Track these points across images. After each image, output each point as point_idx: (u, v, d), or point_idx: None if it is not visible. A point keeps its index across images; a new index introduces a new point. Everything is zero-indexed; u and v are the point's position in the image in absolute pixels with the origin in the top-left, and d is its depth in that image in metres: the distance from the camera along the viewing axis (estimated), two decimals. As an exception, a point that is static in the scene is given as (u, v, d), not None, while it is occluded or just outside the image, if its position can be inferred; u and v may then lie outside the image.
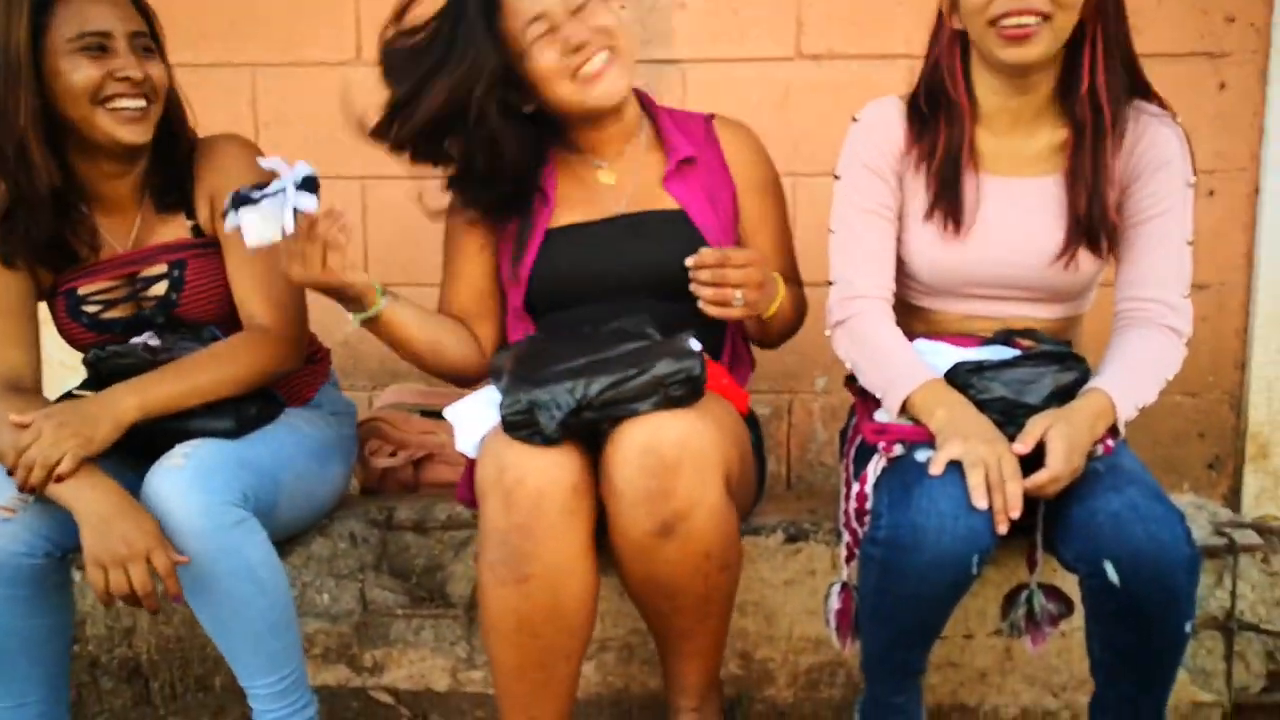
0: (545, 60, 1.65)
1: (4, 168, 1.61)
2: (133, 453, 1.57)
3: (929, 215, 1.63)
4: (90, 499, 1.48)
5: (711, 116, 1.85)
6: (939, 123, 1.61)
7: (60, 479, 1.48)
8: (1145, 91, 1.60)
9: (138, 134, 1.65)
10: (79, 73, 1.60)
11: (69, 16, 1.60)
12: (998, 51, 1.52)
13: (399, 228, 2.55)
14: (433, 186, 1.83)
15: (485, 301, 1.82)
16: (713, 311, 1.60)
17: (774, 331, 1.79)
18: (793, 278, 1.84)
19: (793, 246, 1.87)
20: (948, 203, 1.61)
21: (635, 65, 1.72)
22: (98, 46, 1.61)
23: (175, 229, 1.75)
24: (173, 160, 1.74)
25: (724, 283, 1.58)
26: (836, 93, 2.43)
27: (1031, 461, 1.43)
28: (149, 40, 1.67)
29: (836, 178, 1.70)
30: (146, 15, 1.69)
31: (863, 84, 2.43)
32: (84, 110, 1.61)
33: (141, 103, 1.64)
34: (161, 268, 1.73)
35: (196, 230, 1.75)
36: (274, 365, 1.70)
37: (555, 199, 1.76)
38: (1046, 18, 1.48)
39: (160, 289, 1.73)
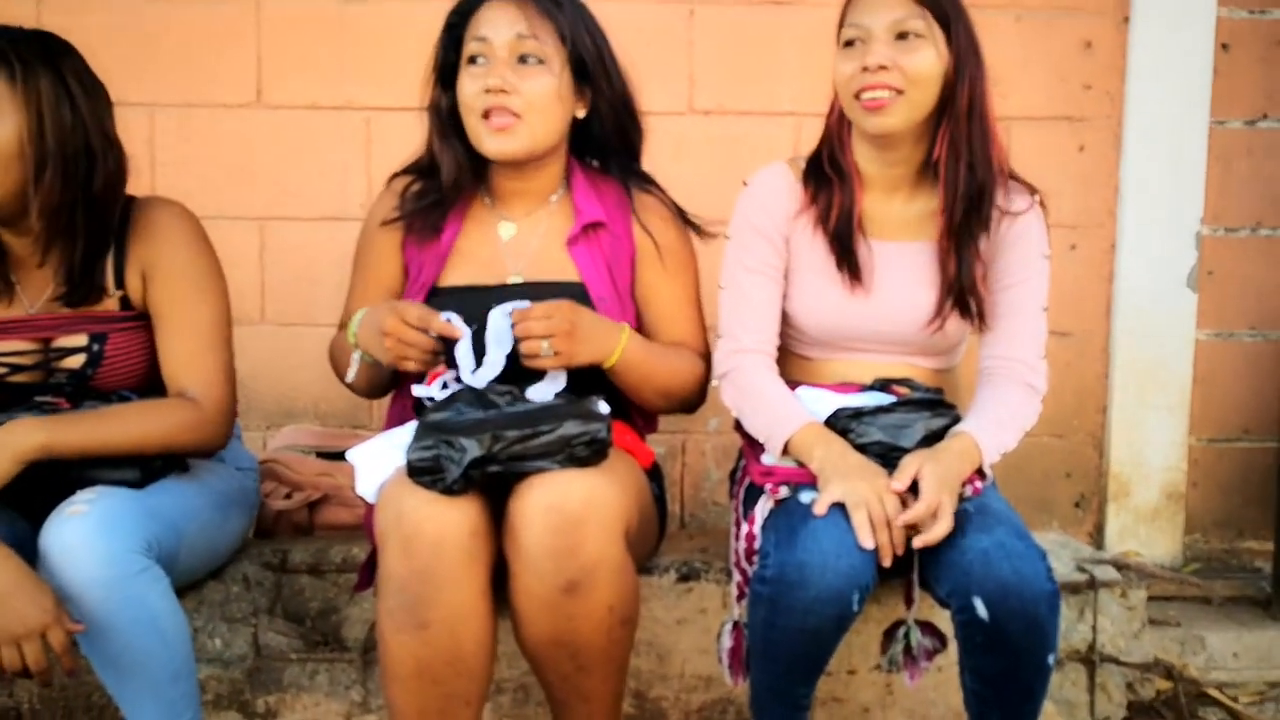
0: (467, 87, 1.69)
1: None
2: (26, 498, 1.54)
3: (837, 271, 1.71)
4: None
5: (635, 183, 1.83)
6: (833, 187, 1.71)
7: None
8: (1006, 170, 1.72)
9: None
10: None
11: None
12: (861, 121, 1.65)
13: (297, 268, 2.55)
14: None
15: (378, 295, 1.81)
16: (528, 363, 1.60)
17: (632, 384, 1.71)
18: (695, 348, 1.82)
19: (695, 316, 1.85)
20: (848, 262, 1.71)
21: (548, 135, 1.72)
22: None
23: (102, 299, 1.68)
24: (73, 225, 1.62)
25: (527, 334, 1.58)
26: (727, 147, 2.52)
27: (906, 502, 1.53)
28: None
29: (727, 238, 1.79)
30: (10, 67, 1.56)
31: (751, 139, 2.54)
32: None
33: None
34: (81, 339, 1.67)
35: (124, 302, 1.70)
36: (196, 440, 1.66)
37: (451, 249, 1.76)
38: (900, 93, 1.61)
39: (76, 361, 1.67)
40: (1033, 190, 1.73)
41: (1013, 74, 2.51)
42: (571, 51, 1.70)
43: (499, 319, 1.59)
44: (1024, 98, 2.53)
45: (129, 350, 1.70)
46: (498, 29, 1.68)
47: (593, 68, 1.72)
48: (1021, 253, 1.71)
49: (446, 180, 1.76)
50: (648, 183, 1.85)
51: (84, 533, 1.47)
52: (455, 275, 1.76)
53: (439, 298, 1.74)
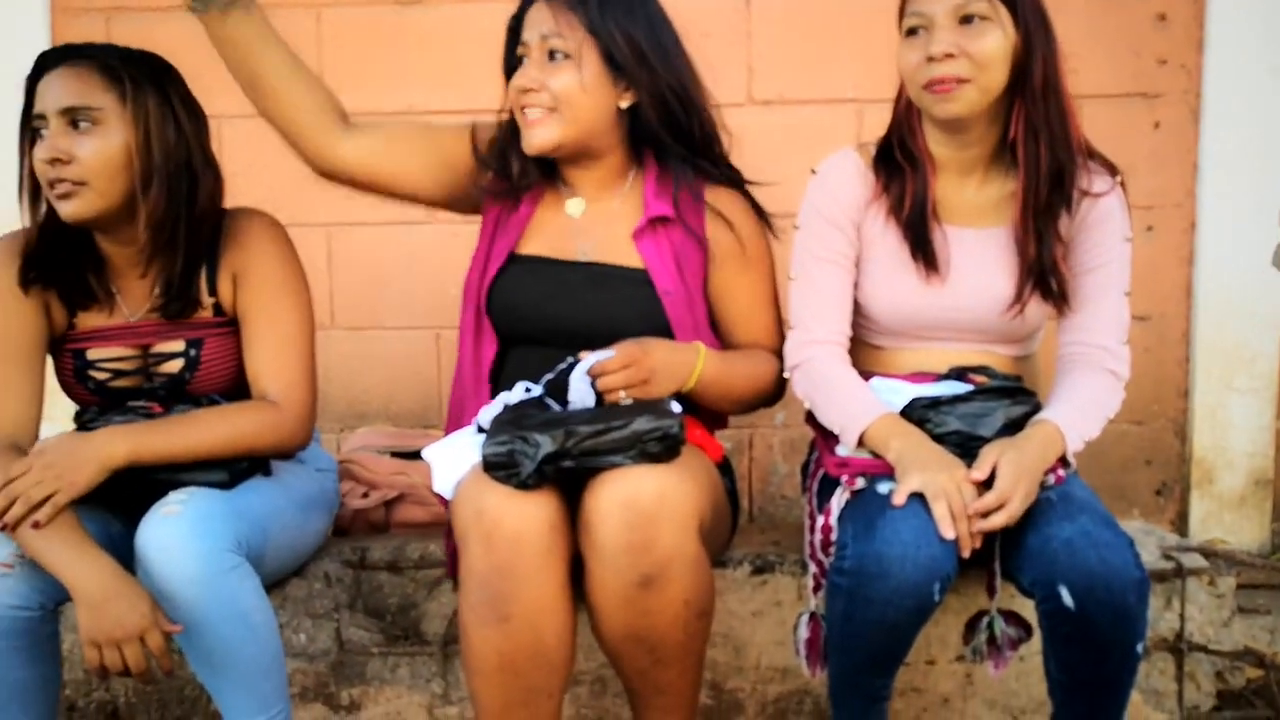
0: (513, 82, 1.74)
1: (48, 233, 1.67)
2: (119, 501, 1.59)
3: (912, 260, 1.69)
4: (86, 576, 1.49)
5: (709, 177, 1.81)
6: (904, 174, 1.68)
7: (37, 525, 1.49)
8: (1085, 149, 1.68)
9: (70, 210, 1.61)
10: (33, 160, 1.62)
11: (37, 96, 1.62)
12: (930, 108, 1.62)
13: (364, 274, 2.59)
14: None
15: (419, 134, 1.85)
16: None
17: (712, 401, 1.73)
18: (771, 346, 1.82)
19: (772, 314, 1.83)
20: (924, 251, 1.68)
21: (582, 127, 1.72)
22: (40, 129, 1.62)
23: (197, 309, 1.73)
24: (183, 243, 1.68)
25: (608, 388, 1.60)
26: (788, 137, 2.50)
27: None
28: (94, 114, 1.60)
29: (796, 228, 1.77)
30: (121, 85, 1.63)
31: (813, 128, 2.52)
32: (46, 193, 1.64)
33: (65, 184, 1.60)
34: (178, 345, 1.73)
35: (217, 308, 1.75)
36: (275, 441, 1.69)
37: (529, 220, 1.80)
38: (968, 80, 1.57)
39: (174, 366, 1.72)
40: (1114, 170, 1.69)
41: (1083, 50, 2.43)
42: (601, 43, 1.70)
43: (580, 383, 1.61)
44: (1095, 74, 2.47)
45: (222, 355, 1.75)
46: (531, 30, 1.72)
47: (622, 58, 1.70)
48: (1103, 235, 1.67)
49: (515, 173, 1.79)
50: (724, 176, 1.83)
51: (178, 532, 1.51)
52: (530, 245, 1.79)
53: (516, 264, 1.77)
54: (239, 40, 1.70)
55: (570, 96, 1.70)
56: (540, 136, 1.71)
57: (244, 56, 1.71)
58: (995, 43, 1.57)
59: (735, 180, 1.84)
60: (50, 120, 1.60)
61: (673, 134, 1.77)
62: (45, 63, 1.65)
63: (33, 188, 1.66)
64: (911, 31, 1.61)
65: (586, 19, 1.69)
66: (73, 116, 1.61)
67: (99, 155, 1.61)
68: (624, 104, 1.75)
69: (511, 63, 1.77)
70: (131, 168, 1.63)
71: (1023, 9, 1.58)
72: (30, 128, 1.64)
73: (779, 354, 1.81)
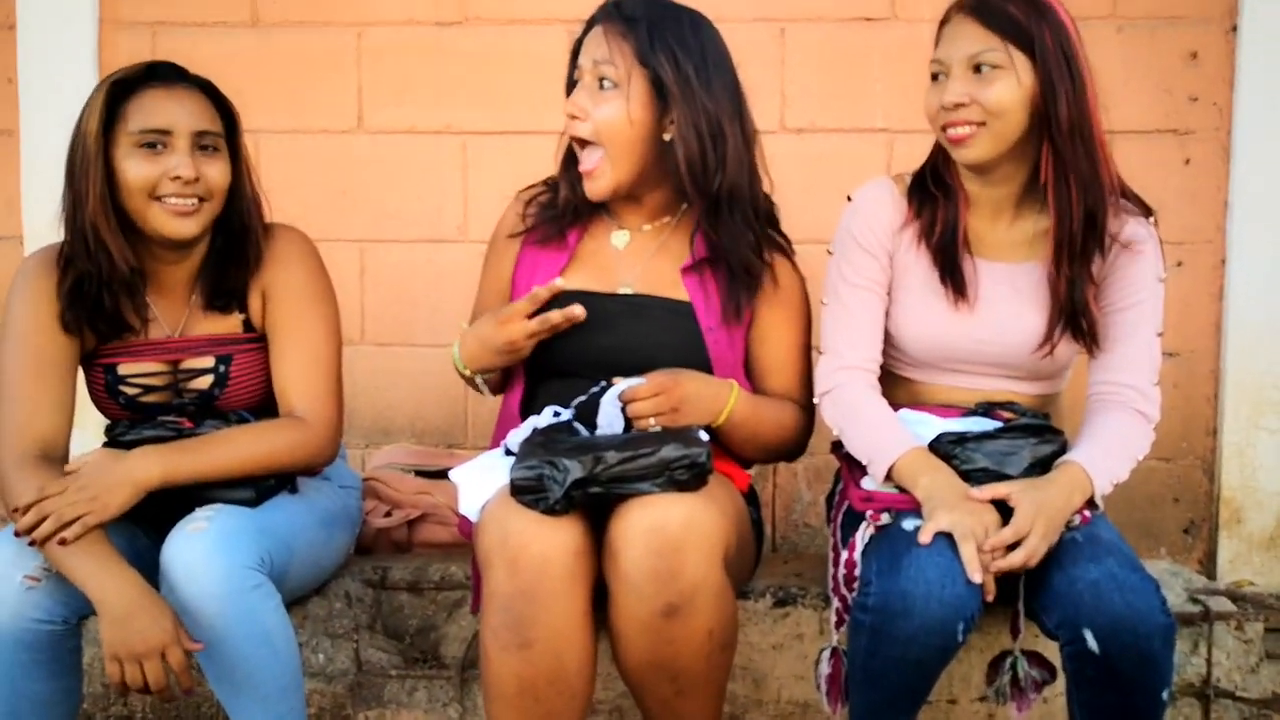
0: (565, 105, 1.74)
1: (84, 249, 1.66)
2: (146, 515, 1.60)
3: (941, 286, 1.69)
4: (111, 590, 1.50)
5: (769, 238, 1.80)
6: (937, 202, 1.69)
7: (64, 542, 1.51)
8: (1119, 188, 1.67)
9: (185, 229, 1.67)
10: (137, 168, 1.64)
11: (136, 111, 1.65)
12: (950, 152, 1.64)
13: (396, 290, 2.61)
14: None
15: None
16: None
17: (737, 443, 1.73)
18: (799, 400, 1.81)
19: (803, 367, 1.83)
20: (953, 276, 1.68)
21: (624, 159, 1.71)
22: (158, 143, 1.65)
23: (226, 322, 1.77)
24: (231, 257, 1.75)
25: (637, 415, 1.61)
26: (820, 165, 2.51)
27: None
28: (216, 140, 1.69)
29: (830, 253, 1.77)
30: (227, 115, 1.73)
31: (844, 156, 2.52)
32: (139, 203, 1.66)
33: (192, 201, 1.67)
34: (208, 360, 1.75)
35: (247, 324, 1.78)
36: (303, 457, 1.71)
37: (574, 253, 1.80)
38: (982, 124, 1.58)
39: (204, 382, 1.75)
40: (1148, 210, 1.69)
41: (1115, 86, 2.44)
42: (650, 72, 1.68)
43: (610, 408, 1.62)
44: (1127, 111, 2.46)
45: (251, 371, 1.77)
46: (586, 54, 1.72)
47: (669, 88, 1.68)
48: (1135, 274, 1.66)
49: (562, 198, 1.80)
50: (752, 234, 1.75)
51: (203, 549, 1.53)
52: (573, 279, 1.78)
53: (557, 299, 1.74)
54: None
55: (612, 127, 1.69)
56: (599, 187, 1.73)
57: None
58: (1006, 91, 1.57)
59: (766, 242, 1.78)
60: (179, 139, 1.65)
61: (693, 173, 1.69)
62: (152, 75, 1.68)
63: (75, 199, 1.66)
64: (934, 76, 1.64)
65: (637, 47, 1.69)
66: (202, 140, 1.67)
67: (221, 179, 1.69)
68: (667, 136, 1.72)
69: (572, 84, 1.77)
70: (232, 192, 1.72)
71: (1042, 53, 1.57)
72: (130, 135, 1.65)
73: (805, 409, 1.81)
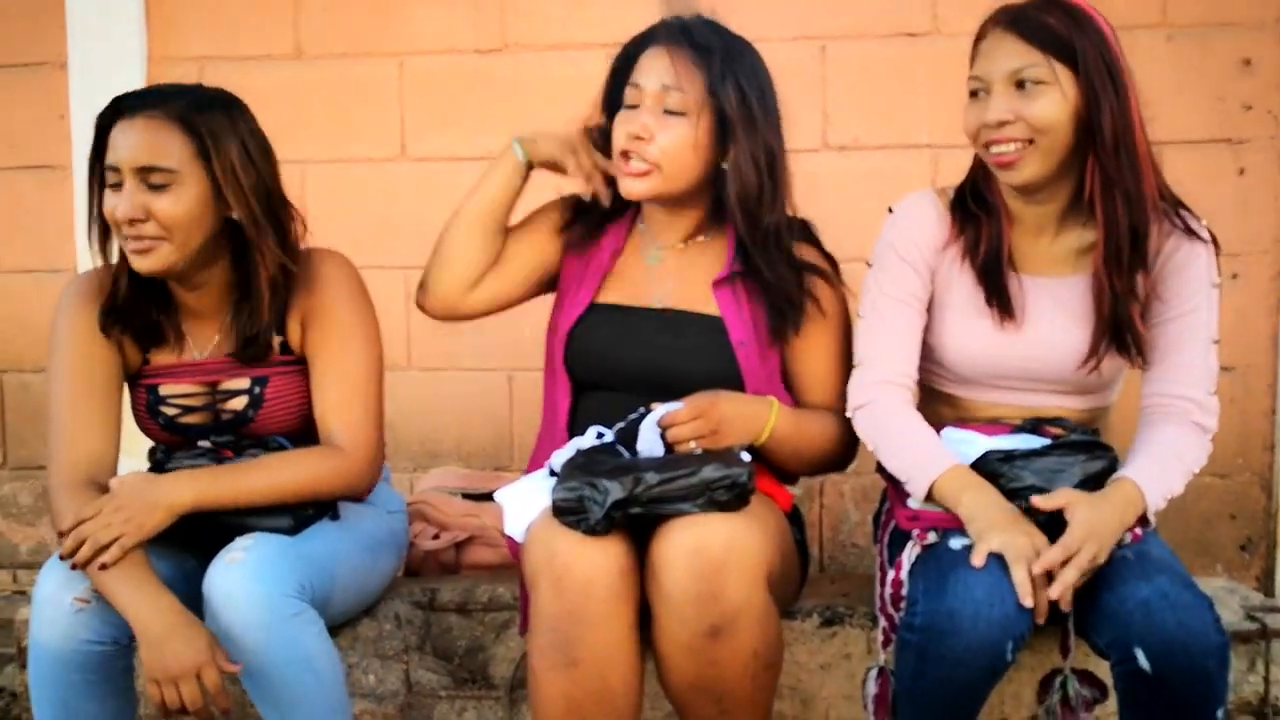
0: (617, 129, 1.74)
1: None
2: (194, 540, 1.63)
3: (986, 305, 1.67)
4: (148, 613, 1.53)
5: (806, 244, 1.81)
6: (980, 220, 1.67)
7: (104, 567, 1.53)
8: (1167, 197, 1.64)
9: (146, 265, 1.63)
10: (105, 205, 1.64)
11: (107, 146, 1.64)
12: (998, 175, 1.61)
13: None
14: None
15: (513, 265, 1.85)
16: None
17: (782, 459, 1.73)
18: (842, 410, 1.77)
19: (844, 379, 1.79)
20: (999, 297, 1.66)
21: (679, 183, 1.73)
22: (117, 181, 1.62)
23: (268, 352, 1.75)
24: (254, 288, 1.70)
25: (677, 439, 1.61)
26: (863, 182, 2.50)
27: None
28: (165, 175, 1.61)
29: (869, 265, 1.76)
30: (199, 139, 1.62)
31: (887, 173, 2.51)
32: (119, 239, 1.67)
33: (145, 240, 1.62)
34: (244, 382, 1.75)
35: (284, 347, 1.77)
36: (340, 486, 1.70)
37: (609, 269, 1.82)
38: (1030, 142, 1.55)
39: (239, 403, 1.75)
40: (1198, 218, 1.65)
41: (1166, 96, 2.40)
42: (717, 102, 1.70)
43: (650, 433, 1.62)
44: (1178, 120, 2.42)
45: (287, 394, 1.78)
46: (649, 78, 1.71)
47: (732, 122, 1.69)
48: (1186, 281, 1.62)
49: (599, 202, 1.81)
50: (797, 242, 1.78)
51: (241, 580, 1.55)
52: (610, 294, 1.80)
53: (594, 313, 1.78)
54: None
55: (677, 153, 1.70)
56: (638, 189, 1.73)
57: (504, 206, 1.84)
58: (1051, 106, 1.55)
59: (805, 269, 1.78)
60: (125, 177, 1.61)
61: (743, 201, 1.72)
62: (120, 107, 1.64)
63: (102, 228, 1.69)
64: (974, 93, 1.61)
65: (708, 77, 1.69)
66: (148, 177, 1.61)
67: (174, 213, 1.62)
68: (726, 164, 1.73)
69: (615, 100, 1.77)
70: (207, 219, 1.65)
71: (1085, 65, 1.54)
72: (100, 170, 1.65)
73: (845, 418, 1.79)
